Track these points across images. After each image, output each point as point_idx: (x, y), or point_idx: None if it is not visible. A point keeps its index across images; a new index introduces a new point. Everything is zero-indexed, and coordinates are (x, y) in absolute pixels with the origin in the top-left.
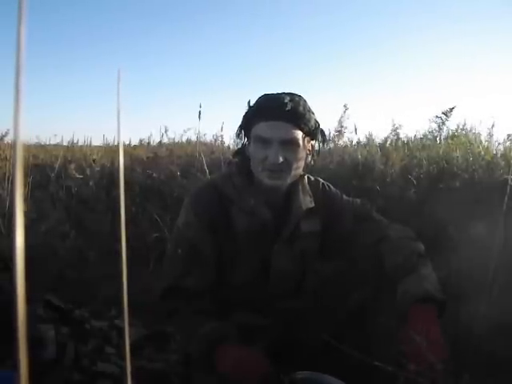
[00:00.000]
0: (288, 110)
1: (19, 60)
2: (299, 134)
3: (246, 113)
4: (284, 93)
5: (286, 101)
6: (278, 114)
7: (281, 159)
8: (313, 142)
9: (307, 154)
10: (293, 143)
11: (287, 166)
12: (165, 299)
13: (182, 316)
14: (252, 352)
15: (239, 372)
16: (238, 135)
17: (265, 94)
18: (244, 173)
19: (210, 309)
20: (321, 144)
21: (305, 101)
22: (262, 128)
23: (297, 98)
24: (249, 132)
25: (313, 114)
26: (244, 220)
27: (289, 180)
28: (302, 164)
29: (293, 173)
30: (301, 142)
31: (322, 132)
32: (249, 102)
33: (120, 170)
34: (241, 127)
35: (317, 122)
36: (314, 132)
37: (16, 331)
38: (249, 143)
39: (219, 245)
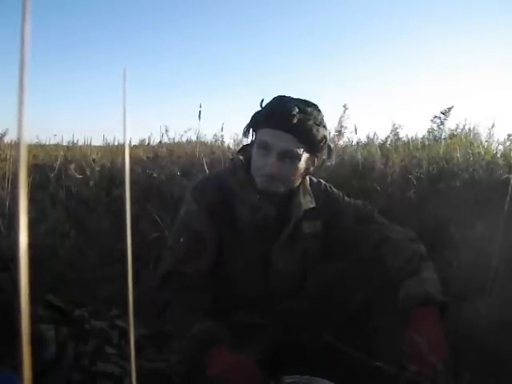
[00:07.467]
0: (294, 123)
1: (23, 60)
2: (301, 149)
3: (256, 113)
4: (299, 100)
5: (294, 112)
6: (283, 124)
7: (276, 170)
8: (318, 155)
9: (309, 166)
10: (292, 156)
11: (283, 177)
12: (162, 287)
13: (176, 311)
14: (243, 357)
15: (229, 377)
16: (245, 133)
17: (279, 98)
18: (247, 169)
19: (205, 306)
20: (326, 158)
21: (318, 112)
22: (266, 134)
23: (309, 110)
24: (254, 133)
25: (323, 127)
26: (247, 213)
27: (282, 189)
28: (299, 176)
29: (287, 183)
30: (301, 155)
31: (329, 147)
32: (261, 102)
33: (126, 170)
34: (249, 126)
35: (325, 137)
36: (318, 147)
37: (19, 331)
38: (252, 144)
39: (221, 235)
